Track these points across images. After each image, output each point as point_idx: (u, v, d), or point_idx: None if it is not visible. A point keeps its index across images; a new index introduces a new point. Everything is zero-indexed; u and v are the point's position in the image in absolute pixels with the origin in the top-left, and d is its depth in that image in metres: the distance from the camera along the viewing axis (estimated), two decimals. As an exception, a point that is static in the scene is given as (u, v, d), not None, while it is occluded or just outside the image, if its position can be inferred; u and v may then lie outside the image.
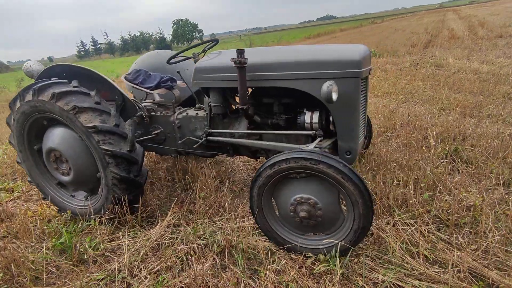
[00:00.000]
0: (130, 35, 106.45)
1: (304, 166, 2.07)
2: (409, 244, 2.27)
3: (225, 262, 2.31)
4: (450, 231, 2.41)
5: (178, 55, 3.34)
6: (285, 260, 2.27)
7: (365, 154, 3.61)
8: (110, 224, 2.85)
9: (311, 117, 2.58)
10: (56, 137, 2.85)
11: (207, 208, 3.00)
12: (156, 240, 2.63)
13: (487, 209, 2.46)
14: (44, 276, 2.35)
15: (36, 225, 3.06)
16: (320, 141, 2.52)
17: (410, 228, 2.40)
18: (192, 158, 4.03)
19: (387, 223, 2.53)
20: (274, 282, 2.06)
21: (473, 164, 3.34)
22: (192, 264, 2.28)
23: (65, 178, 2.97)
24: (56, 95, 2.58)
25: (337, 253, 2.16)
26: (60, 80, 2.76)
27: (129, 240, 2.68)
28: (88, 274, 2.34)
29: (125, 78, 3.41)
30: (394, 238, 2.35)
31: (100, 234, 2.80)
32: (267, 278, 2.09)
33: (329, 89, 2.21)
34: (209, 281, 2.12)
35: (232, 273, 2.18)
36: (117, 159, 2.62)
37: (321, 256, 2.24)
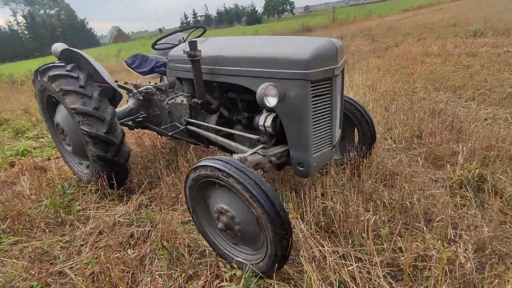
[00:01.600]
0: (225, 8, 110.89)
1: (218, 176, 1.90)
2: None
3: (155, 255, 2.37)
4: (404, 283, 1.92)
5: (163, 40, 3.35)
6: (206, 266, 2.21)
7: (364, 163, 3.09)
8: (96, 195, 3.22)
9: (265, 119, 2.31)
10: (59, 113, 3.29)
11: (173, 196, 3.08)
12: (119, 216, 2.87)
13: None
14: (34, 230, 2.85)
15: (53, 183, 3.68)
16: (264, 147, 2.26)
17: (352, 266, 2.01)
18: (182, 142, 4.12)
19: (331, 253, 2.16)
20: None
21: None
22: (129, 248, 2.43)
23: (68, 149, 3.44)
24: (51, 78, 2.94)
25: (248, 274, 1.98)
26: (59, 63, 3.11)
27: (104, 212, 3.00)
28: (58, 236, 2.74)
29: (125, 61, 3.62)
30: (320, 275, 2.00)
31: (86, 201, 3.21)
32: (176, 281, 2.08)
33: (261, 92, 1.92)
34: (133, 270, 2.24)
35: (154, 268, 2.24)
36: (94, 140, 2.88)
37: (238, 272, 2.09)
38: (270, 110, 2.31)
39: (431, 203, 2.56)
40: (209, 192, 2.18)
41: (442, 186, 2.80)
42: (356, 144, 3.15)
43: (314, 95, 2.05)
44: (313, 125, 2.13)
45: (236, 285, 1.97)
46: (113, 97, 3.32)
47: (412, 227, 2.34)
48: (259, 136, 2.30)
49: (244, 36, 2.84)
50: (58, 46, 3.68)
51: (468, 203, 2.50)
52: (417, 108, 4.54)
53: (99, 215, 2.96)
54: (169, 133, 3.29)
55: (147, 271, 2.23)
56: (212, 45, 2.64)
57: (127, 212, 2.93)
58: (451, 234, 2.19)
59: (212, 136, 2.82)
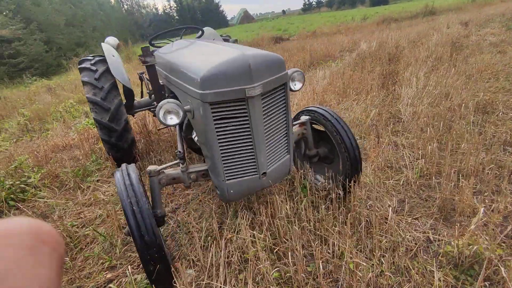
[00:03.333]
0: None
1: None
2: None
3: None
4: None
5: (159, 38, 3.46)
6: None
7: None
8: (108, 171, 3.81)
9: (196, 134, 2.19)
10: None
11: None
12: (106, 193, 3.34)
13: None
14: (59, 190, 3.63)
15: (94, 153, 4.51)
16: (178, 164, 2.14)
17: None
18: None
19: None
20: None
21: None
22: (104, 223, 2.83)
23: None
24: (80, 69, 3.53)
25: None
26: (90, 57, 3.67)
27: (105, 187, 3.54)
28: (65, 200, 3.41)
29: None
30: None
31: (102, 175, 3.83)
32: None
33: (158, 109, 1.82)
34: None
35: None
36: (100, 125, 3.36)
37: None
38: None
39: None
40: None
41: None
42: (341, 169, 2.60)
43: (218, 117, 1.81)
44: (222, 150, 1.90)
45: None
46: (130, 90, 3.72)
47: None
48: (178, 151, 2.20)
49: (206, 42, 2.65)
50: (109, 40, 4.34)
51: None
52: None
53: (98, 188, 3.49)
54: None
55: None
56: (170, 49, 2.60)
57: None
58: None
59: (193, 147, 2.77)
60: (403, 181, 2.87)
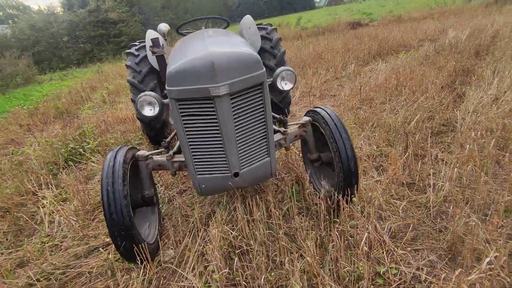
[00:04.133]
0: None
1: None
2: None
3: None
4: None
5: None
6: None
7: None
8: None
9: None
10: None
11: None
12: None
13: None
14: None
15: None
16: (162, 152, 2.25)
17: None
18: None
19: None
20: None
21: None
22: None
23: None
24: (127, 54, 3.94)
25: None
26: (137, 43, 4.04)
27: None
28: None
29: None
30: None
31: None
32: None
33: (137, 99, 1.94)
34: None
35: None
36: (135, 105, 3.74)
37: None
38: None
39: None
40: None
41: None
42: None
43: (186, 114, 1.84)
44: (191, 145, 1.93)
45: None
46: None
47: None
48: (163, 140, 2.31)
49: (209, 34, 2.59)
50: (161, 26, 4.69)
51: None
52: None
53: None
54: None
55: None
56: (182, 40, 2.65)
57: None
58: None
59: None
60: (421, 203, 2.46)
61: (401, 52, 7.67)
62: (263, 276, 1.84)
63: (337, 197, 2.18)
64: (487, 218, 2.08)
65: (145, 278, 2.07)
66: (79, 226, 2.76)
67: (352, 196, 2.19)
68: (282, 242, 1.94)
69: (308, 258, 1.80)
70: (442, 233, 2.19)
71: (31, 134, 5.84)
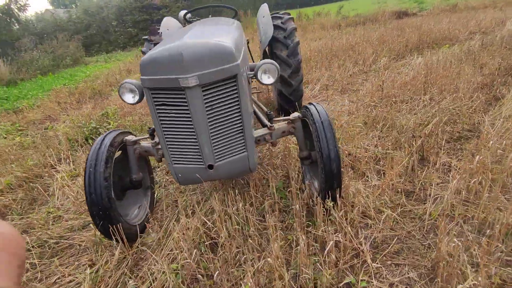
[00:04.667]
0: None
1: None
2: None
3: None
4: None
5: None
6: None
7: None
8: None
9: None
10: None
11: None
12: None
13: None
14: None
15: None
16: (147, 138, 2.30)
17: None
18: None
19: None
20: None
21: None
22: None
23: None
24: (143, 40, 4.06)
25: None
26: (158, 29, 4.13)
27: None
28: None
29: None
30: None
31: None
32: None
33: (119, 87, 1.99)
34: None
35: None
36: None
37: None
38: None
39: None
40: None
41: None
42: None
43: (159, 103, 1.84)
44: (166, 135, 1.95)
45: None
46: None
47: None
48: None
49: (200, 24, 2.51)
50: (181, 13, 4.75)
51: None
52: None
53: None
54: None
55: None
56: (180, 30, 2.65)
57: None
58: None
59: None
60: (416, 215, 2.25)
61: (444, 46, 6.97)
62: (224, 271, 1.83)
63: (316, 199, 2.08)
64: (482, 239, 1.84)
65: (122, 257, 2.17)
66: (81, 202, 2.96)
67: (333, 200, 2.06)
68: (249, 240, 1.90)
69: (269, 259, 1.75)
70: (431, 249, 1.99)
71: (66, 112, 6.35)
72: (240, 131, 1.97)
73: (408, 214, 2.29)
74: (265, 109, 2.53)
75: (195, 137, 1.90)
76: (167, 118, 1.89)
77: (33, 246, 2.39)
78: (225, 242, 1.96)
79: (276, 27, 3.84)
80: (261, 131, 2.29)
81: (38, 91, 8.83)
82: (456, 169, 2.59)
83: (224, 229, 2.00)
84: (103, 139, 2.20)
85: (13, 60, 11.67)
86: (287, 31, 3.80)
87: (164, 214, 2.61)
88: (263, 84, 2.06)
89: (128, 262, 2.16)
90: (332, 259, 1.78)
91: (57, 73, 12.02)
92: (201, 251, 2.05)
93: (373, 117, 3.51)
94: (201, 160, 1.99)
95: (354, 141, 3.11)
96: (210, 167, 2.00)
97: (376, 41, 7.70)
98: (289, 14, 4.16)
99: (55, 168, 3.73)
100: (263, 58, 4.12)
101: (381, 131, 3.29)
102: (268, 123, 2.29)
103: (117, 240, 2.09)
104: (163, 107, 1.86)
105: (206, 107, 1.81)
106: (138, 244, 2.31)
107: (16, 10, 17.76)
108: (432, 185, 2.39)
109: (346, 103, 4.44)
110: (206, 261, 1.97)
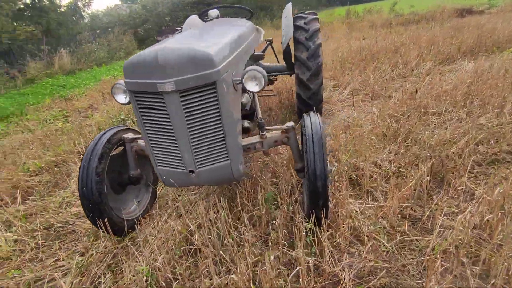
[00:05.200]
0: None
1: None
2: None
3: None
4: None
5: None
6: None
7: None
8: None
9: None
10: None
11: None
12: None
13: None
14: None
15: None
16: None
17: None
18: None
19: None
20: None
21: None
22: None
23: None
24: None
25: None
26: (181, 27, 4.21)
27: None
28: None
29: None
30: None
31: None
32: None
33: (112, 87, 2.04)
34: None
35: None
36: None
37: None
38: None
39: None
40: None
41: None
42: None
43: (142, 106, 1.85)
44: (149, 137, 1.96)
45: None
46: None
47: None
48: None
49: (204, 27, 2.40)
50: (211, 12, 4.80)
51: None
52: None
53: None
54: None
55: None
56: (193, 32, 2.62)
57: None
58: None
59: None
60: (417, 246, 1.99)
61: (508, 50, 6.08)
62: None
63: (302, 217, 1.94)
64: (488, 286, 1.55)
65: (112, 250, 2.27)
66: (93, 190, 3.15)
67: (317, 219, 1.90)
68: (220, 251, 1.84)
69: (233, 276, 1.67)
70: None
71: (105, 102, 6.85)
72: (221, 139, 1.91)
73: (408, 245, 2.03)
74: (260, 115, 2.42)
75: (175, 142, 1.89)
76: (150, 122, 1.90)
77: (40, 228, 2.62)
78: (204, 250, 1.93)
79: (298, 27, 3.67)
80: (253, 139, 2.21)
81: (90, 81, 9.67)
82: (478, 199, 2.23)
83: (199, 236, 1.96)
84: (103, 135, 2.30)
85: (74, 52, 12.96)
86: (309, 32, 3.62)
87: (157, 212, 2.66)
88: (249, 91, 1.97)
89: (113, 255, 2.24)
90: (302, 285, 1.65)
91: (110, 64, 13.06)
92: (176, 254, 2.05)
93: (394, 129, 3.18)
94: (183, 165, 1.97)
95: (367, 154, 2.85)
96: (192, 172, 1.97)
97: (424, 42, 7.00)
98: (315, 14, 3.94)
99: (81, 155, 4.04)
100: (285, 59, 3.97)
101: (399, 145, 2.96)
102: (260, 132, 2.19)
103: (106, 232, 2.18)
104: (146, 110, 1.87)
105: (185, 113, 1.78)
106: (129, 238, 2.39)
107: (82, 7, 19.63)
108: (442, 214, 2.08)
109: (374, 110, 4.10)
110: (178, 265, 1.96)
